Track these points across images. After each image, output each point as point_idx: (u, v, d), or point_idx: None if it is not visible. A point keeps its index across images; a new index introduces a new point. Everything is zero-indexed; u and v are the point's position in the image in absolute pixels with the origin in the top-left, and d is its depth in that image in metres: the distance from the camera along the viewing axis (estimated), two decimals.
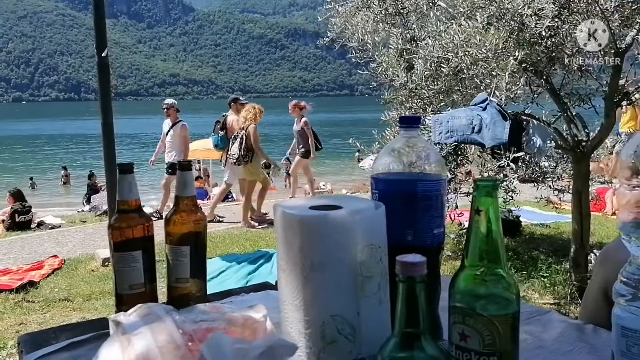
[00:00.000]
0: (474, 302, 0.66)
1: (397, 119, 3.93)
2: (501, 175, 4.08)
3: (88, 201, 10.84)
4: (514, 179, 4.29)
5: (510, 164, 3.28)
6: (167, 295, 1.03)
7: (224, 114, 7.00)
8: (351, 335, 0.73)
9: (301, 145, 7.56)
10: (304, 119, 7.55)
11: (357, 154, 13.02)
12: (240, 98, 7.24)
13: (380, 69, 4.12)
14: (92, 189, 12.13)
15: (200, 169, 12.65)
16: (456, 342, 0.67)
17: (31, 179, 16.95)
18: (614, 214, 7.01)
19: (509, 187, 4.15)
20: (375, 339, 0.75)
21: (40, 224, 7.04)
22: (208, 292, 1.27)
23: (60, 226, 7.03)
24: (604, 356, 0.91)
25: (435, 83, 3.92)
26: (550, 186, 4.33)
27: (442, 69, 3.82)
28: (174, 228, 1.02)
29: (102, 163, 5.29)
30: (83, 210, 9.67)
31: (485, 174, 3.95)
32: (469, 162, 3.85)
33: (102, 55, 5.23)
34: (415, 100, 4.03)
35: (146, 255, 0.99)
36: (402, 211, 0.80)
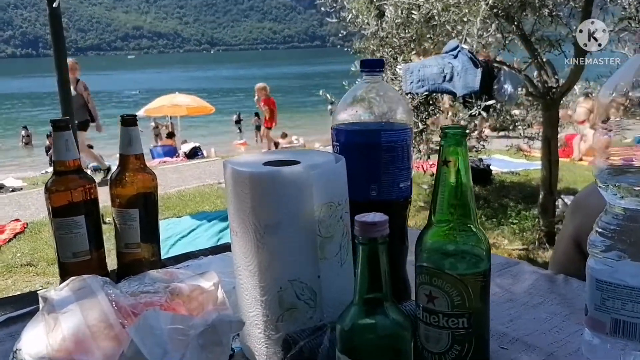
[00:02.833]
0: (442, 261, 0.61)
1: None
2: (472, 124, 4.06)
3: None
4: (485, 128, 4.28)
5: (482, 112, 3.25)
6: (116, 262, 0.96)
7: None
8: (311, 300, 0.68)
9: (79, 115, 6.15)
10: (81, 82, 6.39)
11: (329, 106, 12.88)
12: None
13: (350, 16, 3.97)
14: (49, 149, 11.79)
15: (168, 126, 12.31)
16: (423, 304, 0.62)
17: None
18: (581, 159, 7.16)
19: (480, 136, 4.14)
20: (338, 303, 0.70)
21: (0, 187, 6.76)
22: (177, 253, 1.20)
23: (21, 189, 6.75)
24: (575, 306, 0.88)
25: (406, 31, 3.80)
26: (520, 134, 4.35)
27: (413, 15, 3.70)
28: (120, 190, 0.93)
29: None
30: (47, 172, 9.35)
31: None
32: (440, 111, 3.80)
33: (54, 5, 4.90)
34: (386, 49, 3.91)
35: (90, 220, 0.91)
36: (365, 164, 0.73)
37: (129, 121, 0.93)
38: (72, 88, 6.16)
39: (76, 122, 6.10)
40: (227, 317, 0.57)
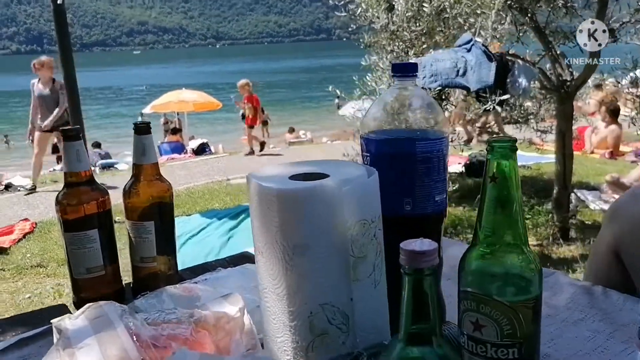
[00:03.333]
0: (489, 286, 0.56)
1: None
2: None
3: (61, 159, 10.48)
4: (492, 121, 4.20)
5: (496, 107, 3.18)
6: (132, 276, 0.92)
7: None
8: (344, 325, 0.63)
9: (47, 115, 5.84)
10: (57, 81, 5.81)
11: (336, 100, 12.82)
12: None
13: (360, 10, 3.90)
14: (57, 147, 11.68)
15: (175, 122, 12.28)
16: (469, 333, 0.57)
17: (5, 136, 16.43)
18: (592, 152, 7.07)
19: (492, 131, 4.06)
20: (371, 326, 0.65)
21: (9, 186, 6.71)
22: (187, 252, 1.16)
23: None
24: (617, 322, 0.83)
25: (417, 24, 3.73)
26: (533, 128, 4.27)
27: (424, 8, 3.63)
28: (135, 201, 0.89)
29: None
30: (55, 170, 9.34)
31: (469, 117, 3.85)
32: (453, 106, 3.73)
33: (58, 2, 4.87)
34: (397, 43, 3.84)
35: (103, 233, 0.86)
36: (398, 177, 0.68)
37: (142, 129, 0.88)
38: (47, 88, 5.90)
39: (47, 122, 5.90)
40: (261, 358, 0.52)
